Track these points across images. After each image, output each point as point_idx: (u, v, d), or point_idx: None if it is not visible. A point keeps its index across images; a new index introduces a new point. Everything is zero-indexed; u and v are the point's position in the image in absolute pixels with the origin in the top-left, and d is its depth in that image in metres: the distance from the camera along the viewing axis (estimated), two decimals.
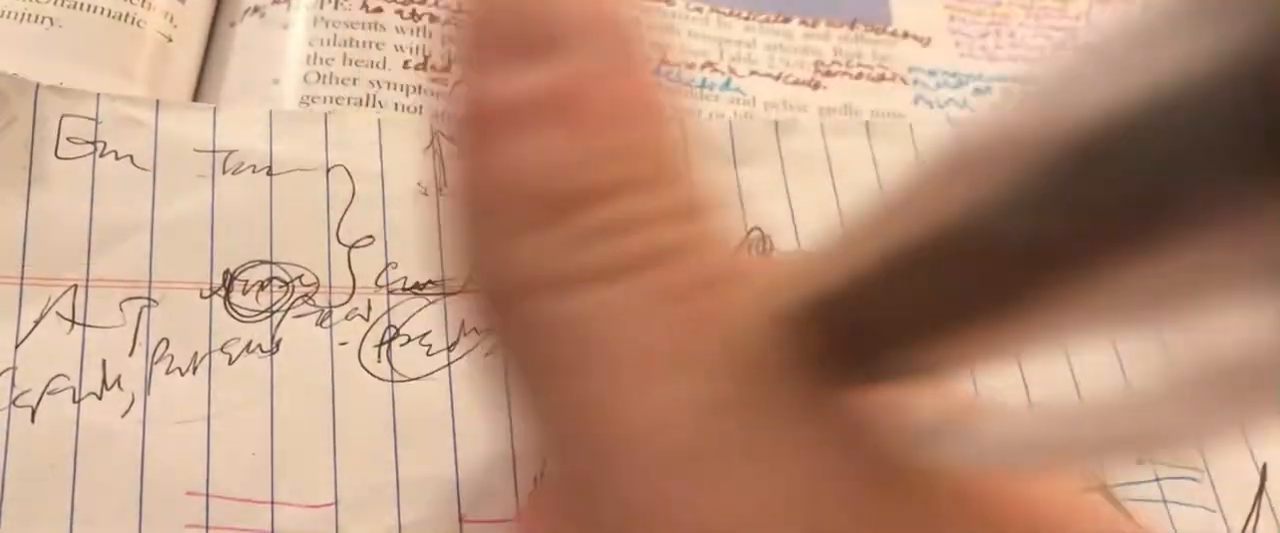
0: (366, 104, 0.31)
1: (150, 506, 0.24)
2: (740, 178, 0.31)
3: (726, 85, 0.35)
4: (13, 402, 0.25)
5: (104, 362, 0.26)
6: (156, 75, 0.31)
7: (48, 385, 0.25)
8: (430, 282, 0.28)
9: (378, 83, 0.32)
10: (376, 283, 0.28)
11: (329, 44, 0.32)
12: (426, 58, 0.33)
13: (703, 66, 0.35)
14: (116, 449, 0.25)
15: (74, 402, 0.25)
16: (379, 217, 0.29)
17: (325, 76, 0.32)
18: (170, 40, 0.31)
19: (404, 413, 0.26)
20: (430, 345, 0.27)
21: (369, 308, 0.28)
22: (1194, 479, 0.28)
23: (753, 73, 0.35)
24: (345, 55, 0.32)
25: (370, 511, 0.25)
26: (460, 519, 0.25)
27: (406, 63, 0.33)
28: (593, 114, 0.11)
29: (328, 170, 0.29)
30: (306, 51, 0.32)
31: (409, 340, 0.27)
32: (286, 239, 0.28)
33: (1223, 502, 0.28)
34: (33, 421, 0.25)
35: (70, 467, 0.25)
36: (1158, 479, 0.27)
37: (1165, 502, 0.27)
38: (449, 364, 0.27)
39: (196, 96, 0.32)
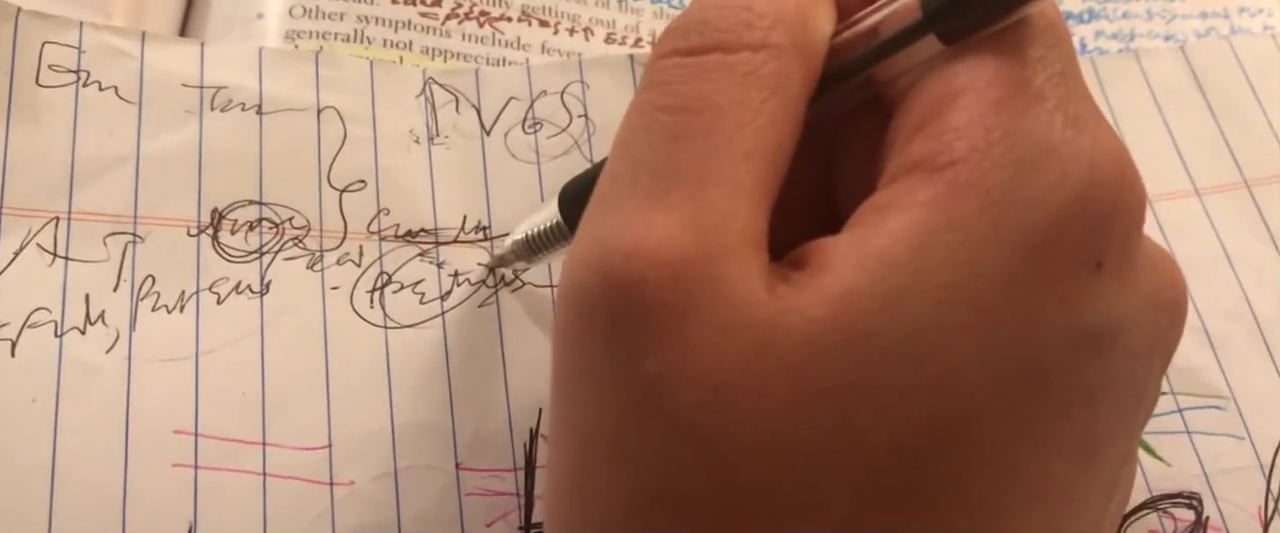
0: (354, 40, 0.33)
1: (136, 443, 0.26)
2: None
3: None
4: None
5: (87, 297, 0.27)
6: (136, 12, 0.32)
7: (28, 319, 0.27)
8: (423, 230, 0.30)
9: (365, 18, 0.34)
10: (368, 229, 0.30)
11: None
12: None
13: None
14: (101, 385, 0.26)
15: (56, 336, 0.27)
16: (371, 162, 0.30)
17: (311, 10, 0.33)
18: None
19: (398, 360, 0.28)
20: (423, 294, 0.29)
21: (361, 253, 0.29)
22: (1219, 408, 0.30)
23: None
24: None
25: (365, 455, 0.27)
26: (457, 467, 0.27)
27: None
28: None
29: (319, 112, 0.31)
30: None
31: (402, 288, 0.29)
32: (276, 180, 0.30)
33: (1251, 429, 0.30)
34: (13, 354, 0.26)
35: (52, 402, 0.26)
36: (1181, 410, 0.30)
37: (1188, 432, 0.30)
38: (442, 313, 0.29)
39: (180, 32, 0.33)
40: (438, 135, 0.31)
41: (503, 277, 0.30)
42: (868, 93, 0.19)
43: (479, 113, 0.32)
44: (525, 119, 0.32)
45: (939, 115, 0.17)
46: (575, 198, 0.25)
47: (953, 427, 0.16)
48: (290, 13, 0.33)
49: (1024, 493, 0.16)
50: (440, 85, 0.32)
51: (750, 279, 0.16)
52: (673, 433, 0.16)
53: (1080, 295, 0.16)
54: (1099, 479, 0.18)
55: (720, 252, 0.16)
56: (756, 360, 0.16)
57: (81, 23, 0.30)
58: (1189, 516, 0.29)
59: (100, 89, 0.30)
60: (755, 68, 0.17)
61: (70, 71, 0.30)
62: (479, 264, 0.30)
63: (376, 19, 0.34)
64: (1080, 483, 0.17)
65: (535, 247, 0.26)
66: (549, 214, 0.26)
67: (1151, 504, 0.29)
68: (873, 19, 0.18)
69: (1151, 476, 0.29)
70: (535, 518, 0.27)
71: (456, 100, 0.32)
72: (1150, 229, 0.32)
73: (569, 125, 0.32)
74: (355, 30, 0.33)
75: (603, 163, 0.24)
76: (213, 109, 0.30)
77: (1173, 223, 0.32)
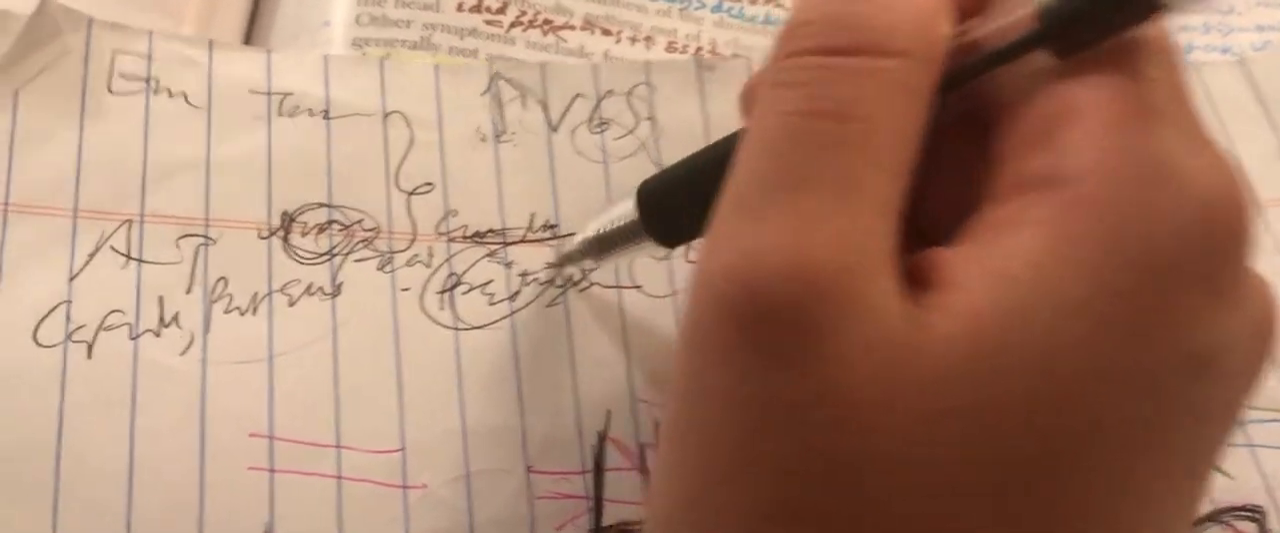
0: (420, 47, 0.33)
1: (212, 446, 0.26)
2: None
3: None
4: (69, 337, 0.27)
5: (161, 299, 0.28)
6: (205, 19, 0.33)
7: (103, 321, 0.27)
8: (491, 231, 0.30)
9: (432, 26, 0.34)
10: (437, 230, 0.30)
11: None
12: None
13: None
14: (176, 388, 0.27)
15: (131, 338, 0.27)
16: (438, 164, 0.31)
17: (377, 18, 0.34)
18: None
19: (469, 361, 0.28)
20: (493, 295, 0.29)
21: (430, 255, 0.29)
22: None
23: None
24: None
25: (438, 458, 0.27)
26: (528, 470, 0.27)
27: (460, 5, 0.34)
28: None
29: (385, 116, 0.31)
30: None
31: (471, 289, 0.29)
32: (345, 183, 0.30)
33: None
34: (89, 356, 0.27)
35: (129, 404, 0.26)
36: (1244, 423, 0.29)
37: (1251, 445, 0.29)
38: (511, 314, 0.29)
39: (247, 39, 0.34)
40: (505, 132, 0.31)
41: (571, 277, 0.30)
42: (966, 105, 0.19)
43: (545, 109, 0.32)
44: (592, 118, 0.32)
45: (1055, 132, 0.17)
46: (656, 197, 0.25)
47: (1074, 444, 0.16)
48: (357, 21, 0.33)
49: (1136, 511, 0.16)
50: (506, 80, 0.32)
51: (888, 296, 0.16)
52: (803, 448, 0.16)
53: (1192, 316, 0.16)
54: (1195, 497, 0.18)
55: (866, 270, 0.16)
56: (890, 378, 0.16)
57: (151, 32, 0.31)
58: (1251, 528, 0.28)
59: (170, 96, 0.30)
60: (901, 76, 0.17)
61: (140, 79, 0.30)
62: (547, 263, 0.30)
63: (442, 26, 0.34)
64: (1183, 503, 0.17)
65: (607, 245, 0.26)
66: (623, 211, 0.25)
67: (1215, 517, 0.28)
68: (983, 30, 0.18)
69: (1214, 488, 0.28)
70: (629, 519, 0.27)
71: (522, 96, 0.32)
72: None
73: (636, 127, 0.32)
74: (422, 37, 0.34)
75: (685, 163, 0.24)
76: (280, 115, 0.30)
77: None
